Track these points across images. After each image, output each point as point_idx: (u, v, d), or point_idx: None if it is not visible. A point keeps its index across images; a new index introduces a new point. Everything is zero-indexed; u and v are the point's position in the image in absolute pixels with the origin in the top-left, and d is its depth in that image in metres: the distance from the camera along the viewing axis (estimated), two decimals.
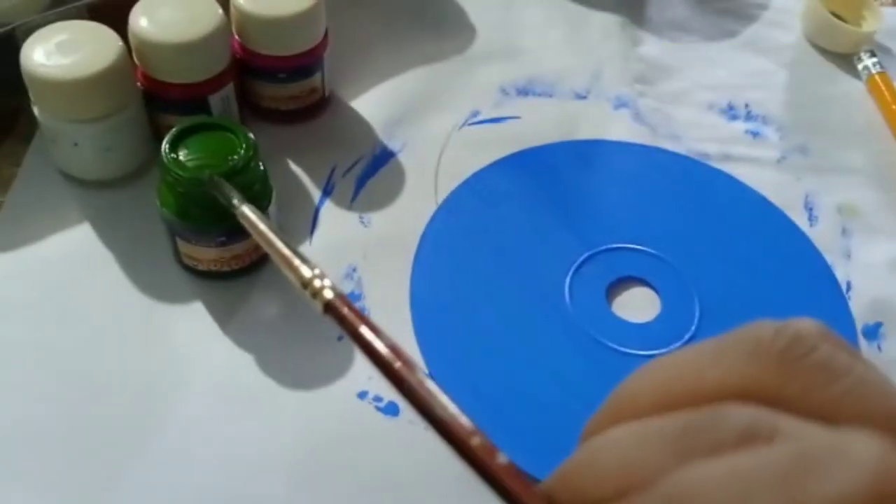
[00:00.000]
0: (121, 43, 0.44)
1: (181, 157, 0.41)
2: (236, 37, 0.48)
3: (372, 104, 0.54)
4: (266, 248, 0.34)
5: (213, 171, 0.40)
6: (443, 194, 0.50)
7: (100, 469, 0.39)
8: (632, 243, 0.48)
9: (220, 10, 0.46)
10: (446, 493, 0.39)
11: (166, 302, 0.44)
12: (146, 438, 0.40)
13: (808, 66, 0.60)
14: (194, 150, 0.41)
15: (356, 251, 0.47)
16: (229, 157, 0.41)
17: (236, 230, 0.42)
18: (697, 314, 0.46)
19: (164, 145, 0.41)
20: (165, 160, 0.40)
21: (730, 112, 0.57)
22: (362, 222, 0.49)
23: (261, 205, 0.43)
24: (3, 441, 0.39)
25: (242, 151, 0.41)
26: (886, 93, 0.57)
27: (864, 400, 0.19)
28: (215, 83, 0.47)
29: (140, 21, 0.45)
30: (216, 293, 0.45)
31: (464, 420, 0.23)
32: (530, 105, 0.56)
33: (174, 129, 0.41)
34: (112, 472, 0.39)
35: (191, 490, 0.39)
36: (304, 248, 0.47)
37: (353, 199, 0.50)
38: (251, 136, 0.42)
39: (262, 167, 0.43)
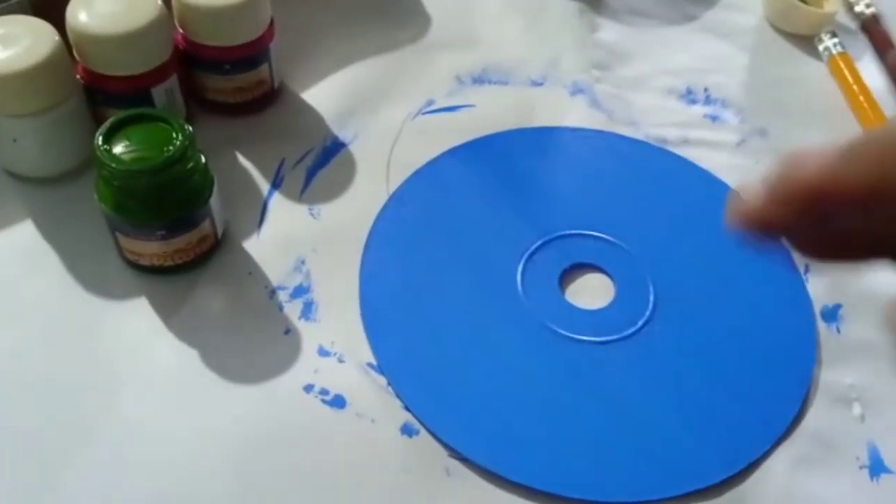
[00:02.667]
0: (57, 36, 0.43)
1: (116, 150, 0.40)
2: (178, 28, 0.48)
3: (324, 95, 0.53)
4: None
5: (148, 162, 0.39)
6: (395, 185, 0.49)
7: (42, 468, 0.38)
8: (586, 230, 0.48)
9: (160, 1, 0.45)
10: (392, 485, 0.39)
11: (110, 298, 0.44)
12: (89, 436, 0.39)
13: (768, 48, 0.60)
14: (130, 142, 0.40)
15: (305, 243, 0.46)
16: (165, 148, 0.40)
17: (176, 224, 0.41)
18: (652, 300, 0.45)
19: (98, 137, 0.40)
20: (99, 153, 0.39)
21: (689, 96, 0.56)
22: (312, 214, 0.48)
23: (201, 197, 0.42)
24: None
25: (178, 142, 0.40)
26: (848, 73, 0.57)
27: None
28: (157, 75, 0.46)
29: (77, 13, 0.44)
30: (160, 288, 0.44)
31: None
32: (486, 93, 0.55)
33: (108, 121, 0.40)
34: (55, 471, 0.38)
35: (135, 488, 0.38)
36: (252, 242, 0.46)
37: (303, 191, 0.49)
38: (188, 126, 0.41)
39: (202, 158, 0.42)
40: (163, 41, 0.46)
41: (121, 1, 0.44)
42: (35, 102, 0.43)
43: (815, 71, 0.58)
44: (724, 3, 0.62)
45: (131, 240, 0.42)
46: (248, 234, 0.46)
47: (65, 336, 0.42)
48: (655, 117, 0.54)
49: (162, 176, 0.40)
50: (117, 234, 0.42)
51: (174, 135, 0.40)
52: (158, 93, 0.46)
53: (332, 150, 0.51)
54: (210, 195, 0.42)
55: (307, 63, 0.55)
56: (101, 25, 0.44)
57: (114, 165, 0.39)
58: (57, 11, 0.45)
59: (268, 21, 0.49)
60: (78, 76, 0.46)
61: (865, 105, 0.55)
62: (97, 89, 0.46)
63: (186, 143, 0.40)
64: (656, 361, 0.43)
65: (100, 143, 0.40)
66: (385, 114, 0.53)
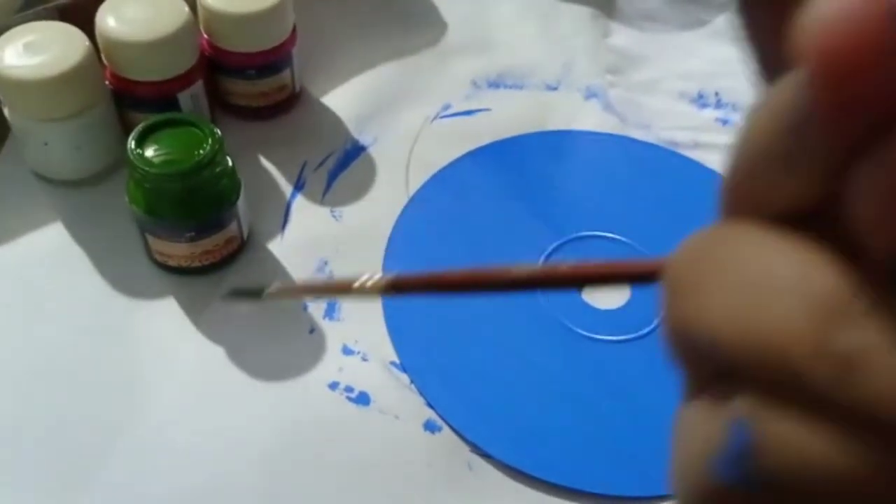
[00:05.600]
0: (87, 42, 0.45)
1: (148, 154, 0.41)
2: (204, 34, 0.49)
3: (343, 99, 0.54)
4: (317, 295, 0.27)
5: (179, 165, 0.41)
6: (414, 187, 0.50)
7: (74, 465, 0.39)
8: (602, 231, 0.49)
9: (187, 8, 0.46)
10: (416, 480, 0.40)
11: (139, 298, 0.45)
12: (120, 433, 0.40)
13: None
14: (161, 146, 0.41)
15: (328, 245, 0.48)
16: (195, 152, 0.41)
17: (205, 225, 0.43)
18: None
19: (130, 142, 0.41)
20: (131, 156, 0.40)
21: (700, 100, 0.57)
22: (334, 216, 0.49)
23: (229, 199, 0.43)
24: None
25: (208, 146, 0.41)
26: None
27: None
28: (184, 80, 0.47)
29: (106, 20, 0.45)
30: (188, 289, 0.45)
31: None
32: (501, 97, 0.56)
33: (140, 126, 0.41)
34: (87, 468, 0.39)
35: (166, 484, 0.39)
36: (276, 243, 0.47)
37: (325, 193, 0.50)
38: (217, 131, 0.42)
39: (229, 162, 0.43)
40: (190, 47, 0.47)
41: (149, 8, 0.45)
42: (66, 107, 0.45)
43: None
44: (734, 8, 0.63)
45: (161, 241, 0.43)
46: (272, 236, 0.48)
47: (95, 336, 0.43)
48: (668, 121, 0.55)
49: (193, 179, 0.41)
50: (147, 235, 0.43)
51: (204, 139, 0.41)
52: (185, 97, 0.47)
53: (353, 153, 0.52)
54: (238, 198, 0.43)
55: (327, 68, 0.56)
56: (131, 32, 0.45)
57: (146, 168, 0.40)
58: (84, 17, 0.46)
59: (291, 27, 0.50)
60: (106, 81, 0.47)
61: None
62: (125, 94, 0.47)
63: (217, 147, 0.41)
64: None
65: (132, 146, 0.41)
66: (403, 117, 0.54)
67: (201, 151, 0.41)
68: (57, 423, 0.41)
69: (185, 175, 0.41)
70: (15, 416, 0.41)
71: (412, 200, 0.50)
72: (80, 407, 0.41)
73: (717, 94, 0.57)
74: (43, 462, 0.39)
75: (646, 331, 0.45)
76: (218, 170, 0.42)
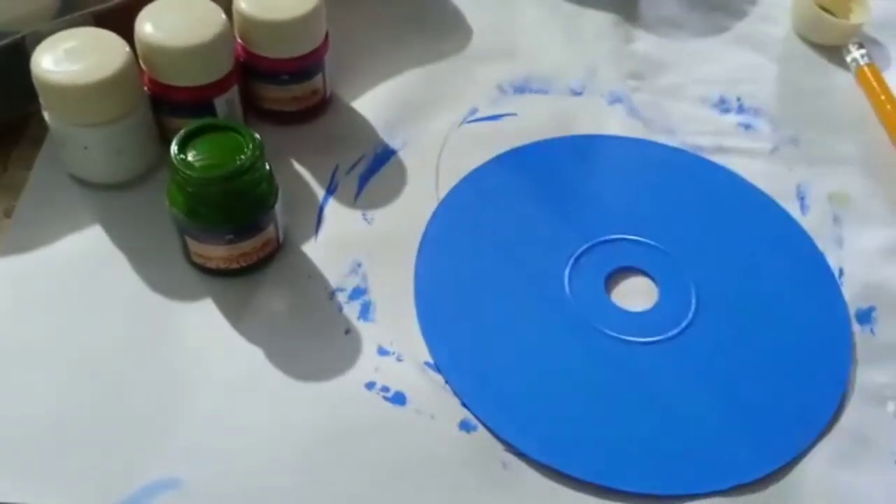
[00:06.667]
0: (127, 49, 0.45)
1: (190, 158, 0.42)
2: (239, 40, 0.50)
3: (372, 104, 0.55)
4: None
5: (221, 170, 0.41)
6: (444, 190, 0.51)
7: (116, 464, 0.40)
8: (629, 234, 0.50)
9: (224, 15, 0.47)
10: (452, 477, 0.41)
11: (178, 300, 0.46)
12: (160, 434, 0.41)
13: (797, 59, 0.62)
14: (202, 150, 0.42)
15: (361, 247, 0.48)
16: (237, 157, 0.42)
17: (244, 228, 0.44)
18: (694, 302, 0.47)
19: (173, 146, 0.42)
20: (175, 160, 0.41)
21: (722, 105, 0.58)
22: (366, 219, 0.50)
23: (267, 203, 0.44)
24: (21, 438, 0.41)
25: (249, 151, 0.42)
26: (875, 84, 0.59)
27: None
28: (220, 86, 0.48)
29: (146, 27, 0.46)
30: (226, 290, 0.46)
31: None
32: (527, 102, 0.57)
33: (182, 131, 0.42)
34: (128, 467, 0.40)
35: (205, 483, 0.40)
36: (310, 245, 0.48)
37: (357, 196, 0.51)
38: (257, 136, 0.43)
39: (267, 166, 0.44)
40: (226, 54, 0.48)
41: (188, 15, 0.46)
42: (106, 112, 0.46)
43: (843, 81, 0.60)
44: (754, 14, 0.64)
45: (200, 244, 0.44)
46: (306, 239, 0.48)
47: (134, 337, 0.44)
48: (691, 126, 0.56)
49: (234, 183, 0.42)
50: (187, 237, 0.44)
51: (245, 144, 0.42)
52: (220, 103, 0.48)
53: (383, 157, 0.53)
54: (276, 201, 0.44)
55: (356, 73, 0.57)
56: (171, 38, 0.46)
57: (189, 173, 0.41)
58: (118, 23, 0.47)
59: (324, 34, 0.51)
60: (144, 87, 0.48)
61: (893, 114, 0.57)
62: (163, 99, 0.48)
63: (257, 152, 0.42)
64: (699, 361, 0.45)
65: (175, 151, 0.42)
66: (431, 122, 0.55)
67: (242, 156, 0.42)
68: (97, 422, 0.41)
69: (227, 179, 0.41)
70: (56, 417, 0.41)
71: (442, 203, 0.51)
72: (120, 408, 0.42)
73: (738, 99, 0.58)
74: (83, 460, 0.40)
75: (673, 333, 0.46)
76: (258, 174, 0.43)
